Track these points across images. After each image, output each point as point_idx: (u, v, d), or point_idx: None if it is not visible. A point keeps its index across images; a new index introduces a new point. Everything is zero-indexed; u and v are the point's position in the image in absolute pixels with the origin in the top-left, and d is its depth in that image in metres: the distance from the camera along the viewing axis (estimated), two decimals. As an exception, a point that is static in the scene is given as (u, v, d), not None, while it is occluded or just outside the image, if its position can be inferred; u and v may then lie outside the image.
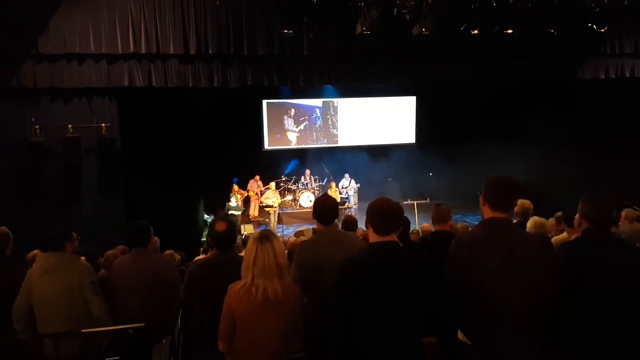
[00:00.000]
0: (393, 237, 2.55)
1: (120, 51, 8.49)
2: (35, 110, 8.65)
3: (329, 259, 2.99)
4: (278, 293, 2.45)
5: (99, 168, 9.15)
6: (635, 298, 2.50)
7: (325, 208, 3.21)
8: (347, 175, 13.67)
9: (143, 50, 8.55)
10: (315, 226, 3.39)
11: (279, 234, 11.49)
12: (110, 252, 5.39)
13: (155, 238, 4.94)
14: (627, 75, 10.80)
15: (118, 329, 3.54)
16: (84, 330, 3.36)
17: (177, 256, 6.62)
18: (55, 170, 8.88)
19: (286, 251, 3.19)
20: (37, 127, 8.55)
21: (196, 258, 6.02)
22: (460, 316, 2.58)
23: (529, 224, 4.54)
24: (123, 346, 3.58)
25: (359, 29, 8.53)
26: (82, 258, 3.82)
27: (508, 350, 2.45)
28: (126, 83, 8.77)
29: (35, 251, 4.58)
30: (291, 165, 14.81)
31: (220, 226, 2.99)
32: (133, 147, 9.70)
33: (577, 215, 2.78)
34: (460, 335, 2.66)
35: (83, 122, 8.88)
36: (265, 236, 2.54)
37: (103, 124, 8.95)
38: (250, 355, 2.51)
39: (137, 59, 8.75)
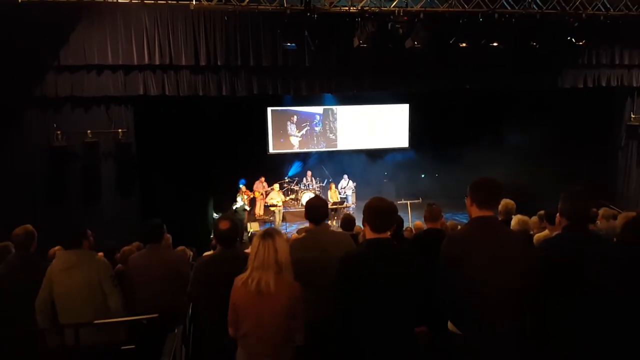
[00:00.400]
0: (387, 235, 2.56)
1: (135, 62, 8.51)
2: (57, 117, 8.68)
3: (318, 256, 3.00)
4: (270, 286, 2.42)
5: (117, 170, 9.17)
6: (609, 289, 2.51)
7: (315, 209, 3.20)
8: (345, 177, 13.66)
9: (157, 62, 8.58)
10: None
11: (283, 231, 11.54)
12: (126, 247, 5.38)
13: (168, 235, 4.93)
14: (604, 84, 10.78)
15: (133, 319, 3.53)
16: (100, 321, 3.35)
17: (189, 252, 6.60)
18: (76, 173, 8.90)
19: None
20: (58, 132, 8.58)
21: (204, 254, 6.01)
22: (451, 307, 2.59)
23: (513, 221, 4.53)
24: (138, 336, 3.58)
25: (356, 42, 8.54)
26: (100, 254, 3.82)
27: (495, 338, 2.46)
28: (141, 92, 8.78)
29: (56, 247, 4.58)
30: (294, 168, 14.81)
31: (224, 225, 2.99)
32: (148, 151, 9.71)
33: (558, 213, 2.78)
34: (450, 325, 2.65)
35: (101, 128, 8.90)
36: (269, 233, 2.54)
37: (120, 130, 8.97)
38: (253, 341, 2.53)
39: (152, 70, 8.77)
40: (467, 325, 2.54)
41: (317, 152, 14.84)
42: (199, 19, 8.63)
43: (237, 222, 3.20)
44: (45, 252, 4.71)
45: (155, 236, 3.87)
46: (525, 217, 4.63)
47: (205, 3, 8.17)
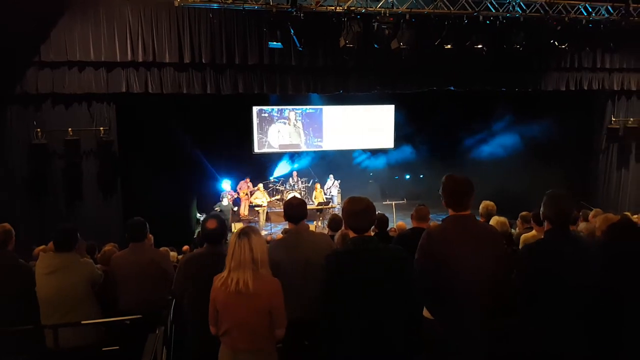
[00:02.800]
0: (370, 234, 2.60)
1: (118, 59, 8.43)
2: (38, 115, 8.54)
3: (296, 256, 3.02)
4: (249, 285, 2.45)
5: (98, 168, 9.06)
6: (590, 288, 2.62)
7: (293, 208, 3.23)
8: (331, 176, 13.72)
9: (140, 59, 8.51)
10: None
11: (266, 232, 11.52)
12: (106, 247, 5.33)
13: (150, 235, 4.91)
14: (585, 87, 11.00)
15: (116, 320, 3.52)
16: (85, 322, 3.34)
17: (173, 253, 6.56)
18: (56, 171, 8.77)
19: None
20: (39, 130, 8.44)
21: (184, 248, 5.97)
22: (428, 296, 2.68)
23: (491, 222, 4.64)
24: (121, 336, 3.56)
25: (342, 42, 8.57)
26: (87, 257, 3.81)
27: (467, 322, 2.58)
28: (124, 89, 8.70)
29: (40, 248, 4.54)
30: (279, 167, 14.81)
31: (211, 224, 3.02)
32: (130, 149, 9.64)
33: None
34: (425, 312, 2.76)
35: (83, 126, 8.80)
36: (244, 232, 2.56)
37: (101, 128, 8.88)
38: (234, 337, 2.56)
39: (135, 67, 8.69)
40: (442, 312, 2.64)
41: (302, 152, 14.86)
42: (183, 16, 8.59)
43: (225, 221, 3.22)
44: (24, 251, 4.65)
45: (138, 235, 3.86)
46: (504, 218, 4.73)
47: (190, 0, 8.14)
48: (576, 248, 2.72)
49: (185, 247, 7.64)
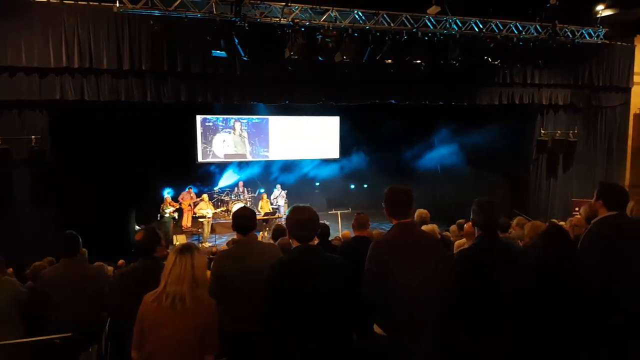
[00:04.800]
0: (314, 242, 2.64)
1: (52, 65, 8.02)
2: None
3: (245, 267, 2.99)
4: (186, 302, 2.36)
5: (29, 180, 8.54)
6: (518, 289, 2.80)
7: (242, 218, 3.20)
8: (278, 186, 13.72)
9: (76, 65, 8.14)
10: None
11: (210, 244, 11.30)
12: (37, 263, 5.04)
13: (84, 249, 4.69)
14: (517, 101, 11.62)
15: (43, 339, 3.33)
16: (10, 342, 3.14)
17: (109, 268, 6.28)
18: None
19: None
20: (-37, 138, 7.88)
21: (119, 263, 5.75)
22: (377, 309, 2.73)
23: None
24: (51, 356, 3.37)
25: (287, 54, 8.64)
26: (9, 270, 3.59)
27: (417, 335, 2.65)
28: (58, 96, 8.29)
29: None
30: (224, 178, 14.61)
31: (139, 235, 2.96)
32: (64, 159, 9.17)
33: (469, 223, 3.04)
34: (376, 328, 2.78)
35: (13, 134, 8.28)
36: (187, 248, 2.48)
37: (33, 137, 8.39)
38: (159, 358, 2.42)
39: (70, 73, 8.30)
40: (391, 325, 2.69)
41: (248, 162, 14.76)
42: (123, 22, 8.32)
43: (154, 231, 3.11)
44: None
45: (70, 250, 3.70)
46: (432, 226, 4.95)
47: (129, 6, 7.91)
48: (505, 253, 2.90)
49: (121, 262, 7.35)
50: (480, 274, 2.77)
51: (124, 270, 3.17)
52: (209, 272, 3.06)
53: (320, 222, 2.82)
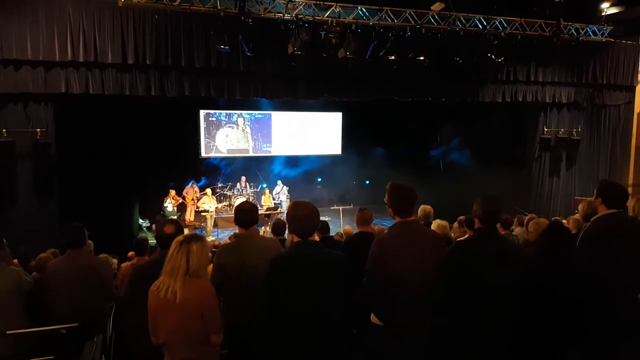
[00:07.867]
0: (314, 238, 2.68)
1: (57, 58, 8.08)
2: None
3: (246, 261, 3.02)
4: (176, 294, 2.41)
5: (34, 172, 8.61)
6: (506, 287, 2.84)
7: (243, 212, 3.24)
8: (279, 182, 13.75)
9: (81, 59, 8.20)
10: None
11: (213, 238, 11.37)
12: (42, 254, 5.11)
13: (90, 241, 4.76)
14: (520, 99, 11.63)
15: (49, 329, 3.40)
16: (17, 331, 3.21)
17: (114, 260, 6.36)
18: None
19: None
20: (-32, 131, 7.95)
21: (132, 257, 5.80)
22: (376, 300, 2.80)
23: (433, 226, 4.86)
24: (56, 345, 3.44)
25: (290, 49, 8.67)
26: (15, 261, 3.65)
27: (411, 326, 2.74)
28: (63, 90, 8.35)
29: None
30: (227, 172, 14.66)
31: (169, 229, 2.96)
32: (69, 152, 9.22)
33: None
34: (373, 317, 2.84)
35: (18, 127, 8.34)
36: (187, 239, 2.51)
37: (38, 129, 8.45)
38: (171, 346, 2.52)
39: (75, 67, 8.36)
40: (388, 314, 2.77)
41: (251, 157, 14.80)
42: (127, 16, 8.36)
43: (180, 225, 3.14)
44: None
45: (76, 241, 3.74)
46: (445, 222, 4.97)
47: (134, 0, 7.96)
48: (500, 247, 2.95)
49: (131, 253, 7.40)
50: (471, 265, 2.83)
51: (143, 263, 3.18)
52: (211, 266, 3.12)
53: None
